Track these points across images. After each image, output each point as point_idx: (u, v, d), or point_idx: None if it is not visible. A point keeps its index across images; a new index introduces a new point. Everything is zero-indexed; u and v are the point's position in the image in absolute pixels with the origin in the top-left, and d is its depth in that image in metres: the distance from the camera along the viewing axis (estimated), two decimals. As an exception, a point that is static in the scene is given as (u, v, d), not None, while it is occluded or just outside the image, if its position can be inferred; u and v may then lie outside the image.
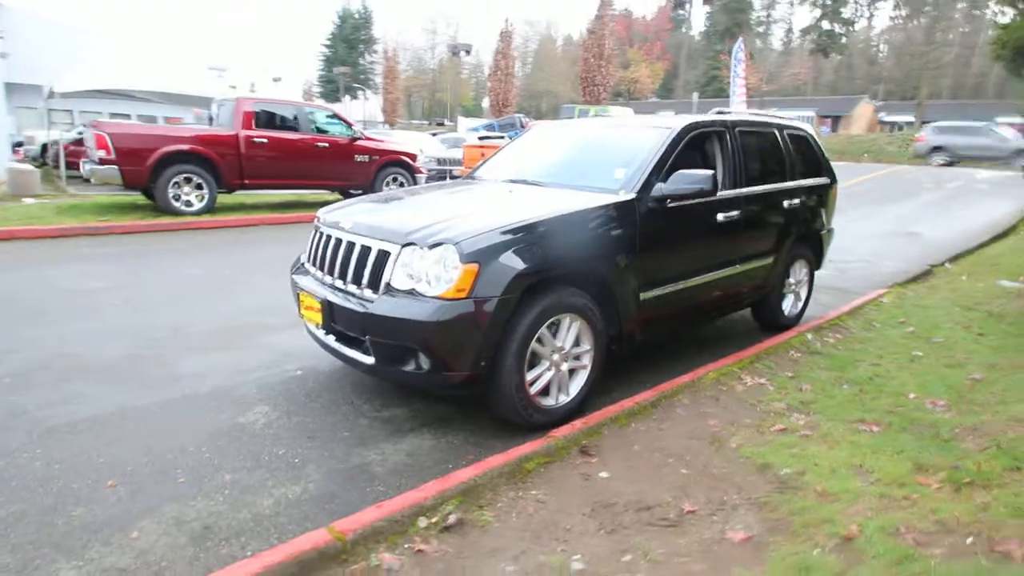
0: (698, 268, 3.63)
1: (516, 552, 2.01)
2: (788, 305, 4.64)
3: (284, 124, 9.58)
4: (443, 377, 2.65)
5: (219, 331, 4.24)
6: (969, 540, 1.95)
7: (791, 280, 4.60)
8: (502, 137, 18.36)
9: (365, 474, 2.54)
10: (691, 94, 23.67)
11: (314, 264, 3.18)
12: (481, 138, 16.13)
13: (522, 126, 20.56)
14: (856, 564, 1.87)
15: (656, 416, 3.02)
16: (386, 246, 2.75)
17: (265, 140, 9.19)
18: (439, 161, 12.92)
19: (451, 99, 45.77)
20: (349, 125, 10.34)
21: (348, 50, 58.41)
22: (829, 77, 59.98)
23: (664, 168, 3.39)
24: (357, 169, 10.26)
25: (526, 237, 2.74)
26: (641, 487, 2.40)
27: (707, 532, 2.12)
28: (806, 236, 4.60)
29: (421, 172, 11.30)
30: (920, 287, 6.08)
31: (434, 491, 2.24)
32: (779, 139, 4.43)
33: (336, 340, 2.97)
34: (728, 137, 3.91)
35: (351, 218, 3.07)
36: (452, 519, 2.14)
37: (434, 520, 2.12)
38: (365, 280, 2.79)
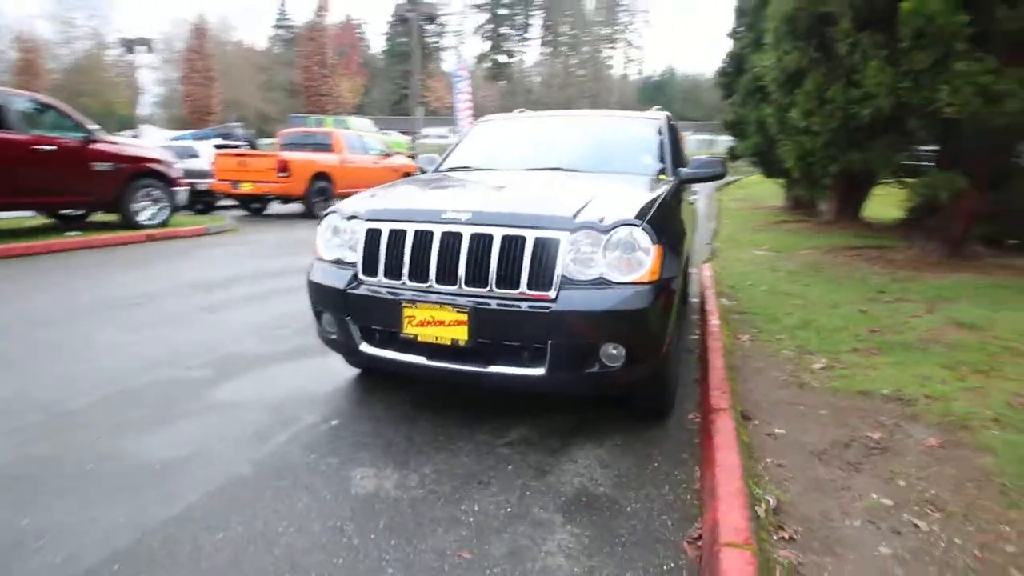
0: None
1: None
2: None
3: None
4: (631, 372, 2.44)
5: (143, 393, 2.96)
6: None
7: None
8: (238, 146, 16.18)
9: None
10: (416, 109, 24.35)
11: (410, 273, 2.51)
12: (218, 147, 13.99)
13: (246, 139, 18.43)
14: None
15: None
16: (549, 234, 2.39)
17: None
18: (187, 173, 10.70)
19: (130, 104, 37.19)
20: (79, 124, 7.83)
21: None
22: (498, 101, 68.51)
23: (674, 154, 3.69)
24: (96, 181, 7.87)
25: (662, 216, 2.71)
26: (811, 433, 2.64)
27: (906, 443, 2.49)
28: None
29: (180, 185, 9.26)
30: (720, 263, 7.67)
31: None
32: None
33: (473, 361, 2.44)
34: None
35: (458, 207, 2.53)
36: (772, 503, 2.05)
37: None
38: (526, 276, 2.37)
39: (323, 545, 1.89)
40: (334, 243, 2.83)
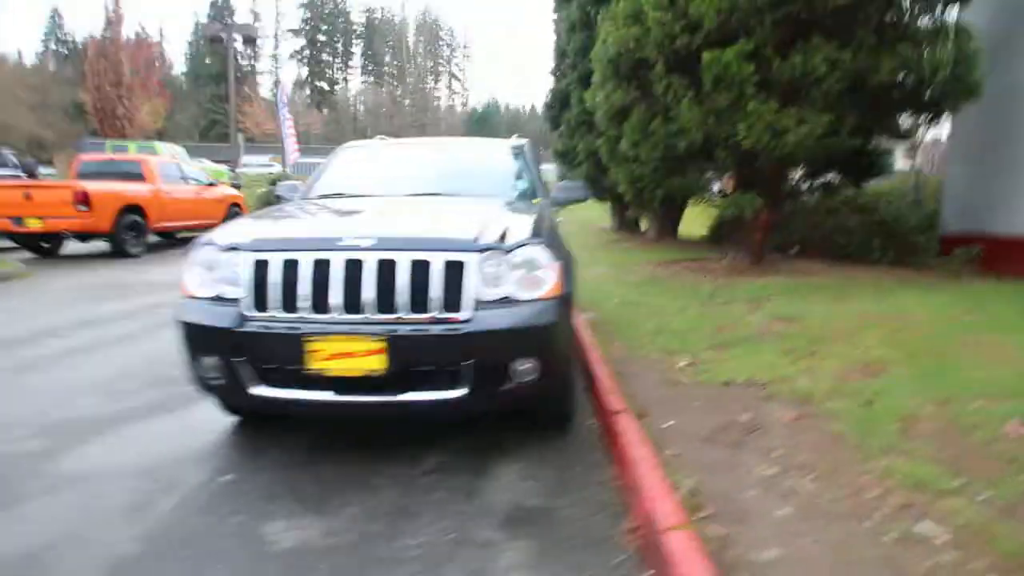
0: None
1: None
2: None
3: None
4: (544, 384, 2.55)
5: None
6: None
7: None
8: (17, 176, 13.66)
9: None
10: (235, 136, 22.47)
11: (313, 305, 2.36)
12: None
13: (24, 167, 15.64)
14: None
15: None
16: (456, 256, 2.42)
17: None
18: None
19: None
20: None
21: None
22: (322, 129, 66.25)
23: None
24: None
25: (552, 236, 2.89)
26: (694, 422, 2.97)
27: (770, 420, 2.91)
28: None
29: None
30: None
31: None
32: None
33: (389, 391, 2.36)
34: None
35: (358, 233, 2.46)
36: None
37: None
38: (438, 300, 2.37)
39: (260, 611, 1.69)
40: (209, 278, 2.56)
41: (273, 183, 17.68)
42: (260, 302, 2.41)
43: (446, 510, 2.25)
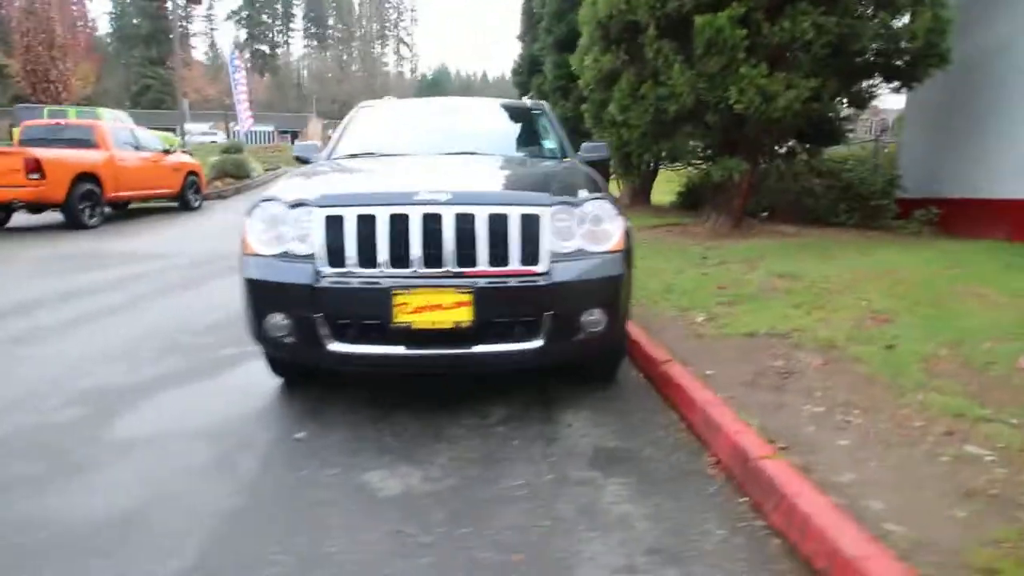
0: None
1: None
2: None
3: None
4: (610, 335, 2.64)
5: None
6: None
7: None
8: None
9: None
10: (181, 102, 21.03)
11: (391, 259, 2.36)
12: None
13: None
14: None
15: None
16: (532, 210, 2.45)
17: None
18: None
19: None
20: None
21: None
22: (266, 94, 63.28)
23: None
24: None
25: (607, 191, 2.95)
26: (733, 370, 3.14)
27: (801, 366, 3.11)
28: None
29: None
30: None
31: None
32: None
33: (461, 343, 2.40)
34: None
35: (434, 187, 2.45)
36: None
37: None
38: (517, 253, 2.41)
39: (394, 552, 1.74)
40: (273, 235, 2.51)
41: (228, 151, 16.91)
42: (335, 258, 2.38)
43: (533, 454, 2.33)
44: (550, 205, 2.49)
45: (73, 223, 9.45)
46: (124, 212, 11.61)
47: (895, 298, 4.06)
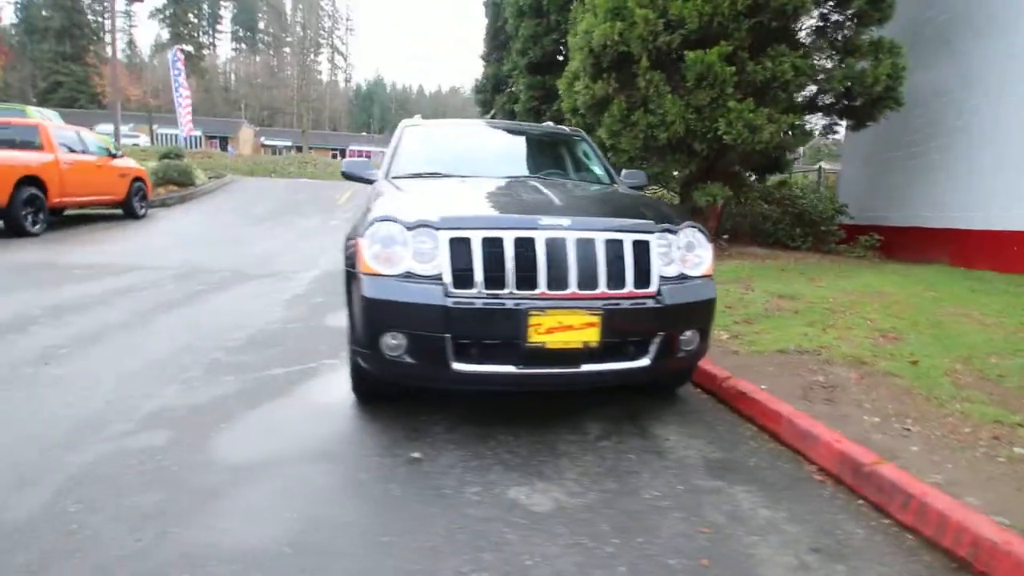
0: None
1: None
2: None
3: None
4: (698, 354, 2.84)
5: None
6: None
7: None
8: None
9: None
10: (115, 103, 19.55)
11: (517, 281, 2.45)
12: None
13: None
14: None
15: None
16: (641, 236, 2.63)
17: None
18: None
19: None
20: None
21: None
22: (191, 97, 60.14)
23: None
24: None
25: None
26: (781, 384, 3.42)
27: (841, 380, 3.43)
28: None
29: None
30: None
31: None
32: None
33: (568, 363, 2.52)
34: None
35: (552, 213, 2.57)
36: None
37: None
38: (631, 276, 2.57)
39: (588, 563, 1.83)
40: (392, 255, 2.53)
41: (169, 156, 16.01)
42: (462, 279, 2.45)
43: (652, 467, 2.47)
44: (655, 232, 2.67)
45: (16, 230, 8.72)
46: (61, 220, 10.77)
47: (895, 318, 4.52)
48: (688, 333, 2.70)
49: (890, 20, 7.16)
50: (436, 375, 2.53)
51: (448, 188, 3.27)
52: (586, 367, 2.54)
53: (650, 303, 2.55)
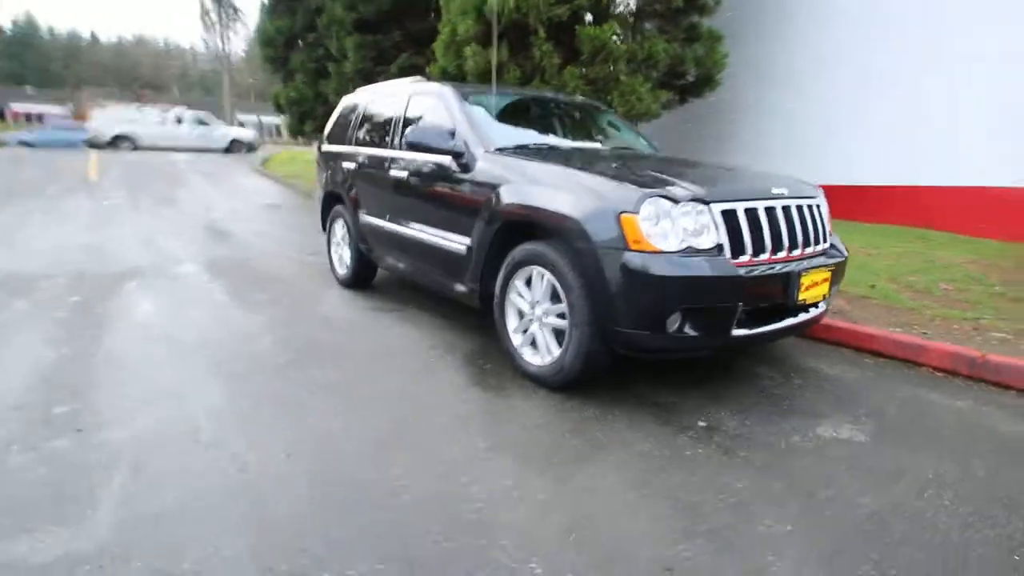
0: None
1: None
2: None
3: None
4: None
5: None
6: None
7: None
8: None
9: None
10: None
11: (772, 246, 2.69)
12: None
13: None
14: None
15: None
16: (815, 201, 3.07)
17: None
18: None
19: None
20: None
21: None
22: None
23: None
24: None
25: None
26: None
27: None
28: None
29: None
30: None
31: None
32: None
33: (806, 312, 2.91)
34: None
35: (772, 184, 2.85)
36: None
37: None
38: (823, 235, 3.02)
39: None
40: (669, 230, 2.52)
41: None
42: (736, 248, 2.58)
43: (811, 430, 2.81)
44: (818, 196, 3.14)
45: None
46: None
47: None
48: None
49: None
50: (714, 343, 2.64)
51: (568, 158, 3.26)
52: (803, 316, 2.91)
53: (838, 257, 3.04)
